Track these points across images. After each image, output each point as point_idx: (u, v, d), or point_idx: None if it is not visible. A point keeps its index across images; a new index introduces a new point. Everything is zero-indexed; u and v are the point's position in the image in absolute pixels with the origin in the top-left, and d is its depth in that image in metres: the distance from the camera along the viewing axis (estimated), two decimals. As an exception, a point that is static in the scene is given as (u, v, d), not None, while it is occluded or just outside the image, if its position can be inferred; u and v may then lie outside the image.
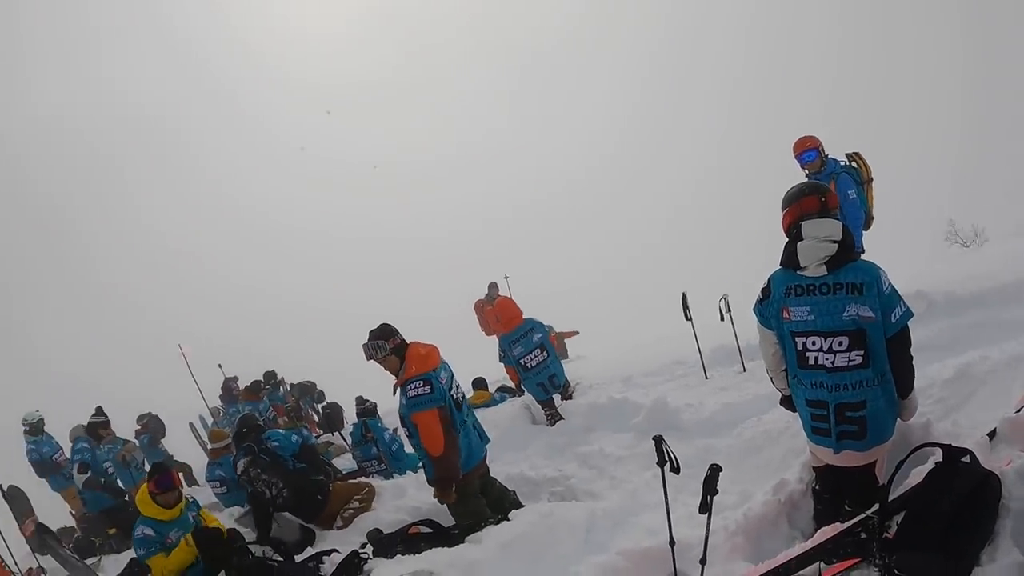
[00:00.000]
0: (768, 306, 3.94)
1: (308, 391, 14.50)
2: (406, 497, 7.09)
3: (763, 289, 3.97)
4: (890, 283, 3.64)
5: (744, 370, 7.87)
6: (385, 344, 5.55)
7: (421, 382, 5.38)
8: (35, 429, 10.58)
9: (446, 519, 5.87)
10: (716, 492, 3.58)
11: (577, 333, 18.54)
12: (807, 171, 7.22)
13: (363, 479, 7.94)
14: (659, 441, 3.74)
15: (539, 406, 8.98)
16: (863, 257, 4.02)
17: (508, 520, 5.33)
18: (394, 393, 5.73)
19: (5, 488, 8.61)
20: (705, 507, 3.60)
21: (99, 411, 9.85)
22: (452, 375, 5.72)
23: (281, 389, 13.95)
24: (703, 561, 3.81)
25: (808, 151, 7.26)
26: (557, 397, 9.00)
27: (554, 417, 8.68)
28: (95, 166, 49.72)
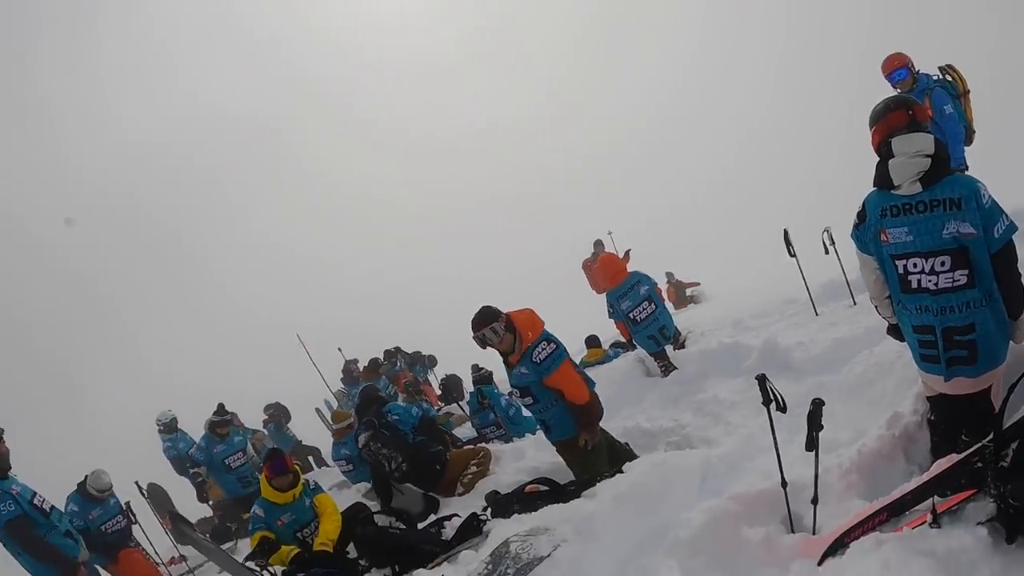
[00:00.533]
0: (865, 230, 3.78)
1: (418, 360, 14.91)
2: (526, 459, 7.21)
3: (858, 213, 3.81)
4: (990, 196, 3.43)
5: (854, 303, 7.58)
6: (499, 326, 5.58)
7: (544, 342, 5.55)
8: (169, 428, 11.26)
9: (563, 477, 5.98)
10: (821, 428, 3.54)
11: (698, 284, 18.31)
12: (899, 90, 6.85)
13: (481, 444, 8.14)
14: (762, 380, 3.73)
15: (652, 359, 8.92)
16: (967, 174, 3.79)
17: (622, 472, 5.36)
18: (508, 369, 5.81)
19: (145, 486, 9.18)
20: (811, 444, 3.57)
21: (220, 409, 10.20)
22: None
23: (399, 364, 14.32)
24: (815, 501, 3.78)
25: (897, 70, 6.90)
26: (669, 348, 8.91)
27: (667, 368, 8.61)
28: (193, 176, 52.24)
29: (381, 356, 14.02)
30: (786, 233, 7.66)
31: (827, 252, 7.46)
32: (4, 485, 6.11)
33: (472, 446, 8.07)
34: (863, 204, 3.79)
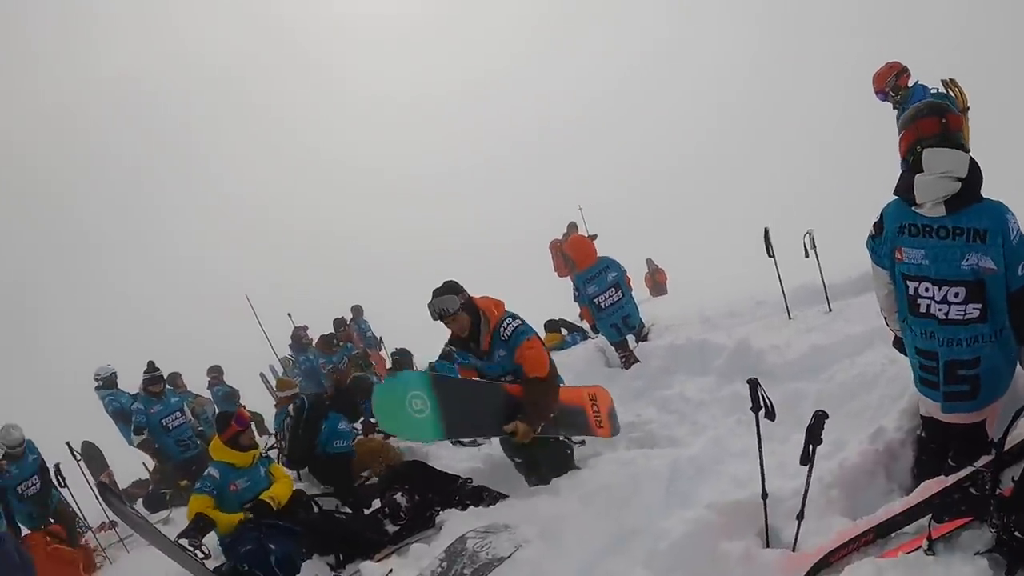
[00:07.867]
0: (880, 243, 3.56)
1: (358, 313, 15.29)
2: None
3: (875, 224, 3.57)
4: (1020, 231, 3.21)
5: (830, 310, 7.43)
6: (458, 300, 5.33)
7: (509, 318, 5.47)
8: (108, 383, 10.81)
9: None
10: (820, 442, 3.40)
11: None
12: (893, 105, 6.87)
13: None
14: (754, 385, 3.58)
15: (613, 348, 8.79)
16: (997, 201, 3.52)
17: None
18: (480, 360, 5.60)
19: (78, 448, 8.70)
20: (807, 458, 3.43)
21: (150, 366, 9.83)
22: None
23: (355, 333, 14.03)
24: (800, 517, 3.64)
25: (880, 92, 7.14)
26: (632, 339, 8.80)
27: (629, 359, 8.48)
28: (161, 125, 52.00)
29: (331, 325, 13.61)
30: (767, 232, 7.48)
31: (807, 256, 7.31)
32: None
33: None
34: (881, 215, 3.56)
